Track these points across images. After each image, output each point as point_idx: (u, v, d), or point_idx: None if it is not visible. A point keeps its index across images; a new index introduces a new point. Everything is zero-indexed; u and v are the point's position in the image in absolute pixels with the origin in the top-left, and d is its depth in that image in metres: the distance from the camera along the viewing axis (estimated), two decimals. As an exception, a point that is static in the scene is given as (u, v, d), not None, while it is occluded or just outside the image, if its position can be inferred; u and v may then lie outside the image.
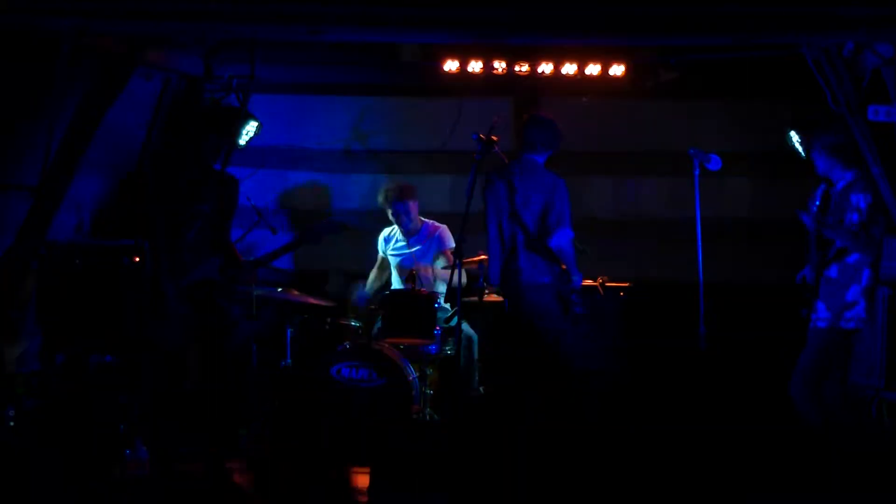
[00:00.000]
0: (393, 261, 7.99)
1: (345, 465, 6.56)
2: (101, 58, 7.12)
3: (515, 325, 6.75)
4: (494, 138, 6.39)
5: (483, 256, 7.04)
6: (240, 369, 7.80)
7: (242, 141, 8.14)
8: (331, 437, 7.05)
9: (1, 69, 6.79)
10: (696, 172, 6.54)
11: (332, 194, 9.08)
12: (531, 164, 6.84)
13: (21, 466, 5.24)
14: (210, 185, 6.05)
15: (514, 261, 6.70)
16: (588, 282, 7.42)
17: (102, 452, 6.03)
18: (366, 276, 8.07)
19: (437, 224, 7.91)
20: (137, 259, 7.04)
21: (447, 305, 7.49)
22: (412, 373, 7.12)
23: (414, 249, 7.84)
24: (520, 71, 7.69)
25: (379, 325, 7.34)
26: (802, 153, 7.93)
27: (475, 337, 7.46)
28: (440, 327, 7.26)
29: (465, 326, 7.27)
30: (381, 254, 8.06)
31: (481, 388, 7.37)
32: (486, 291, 7.17)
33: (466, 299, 6.89)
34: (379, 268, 8.07)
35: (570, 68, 7.65)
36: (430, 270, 7.75)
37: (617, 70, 7.65)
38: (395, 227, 7.93)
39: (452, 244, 7.63)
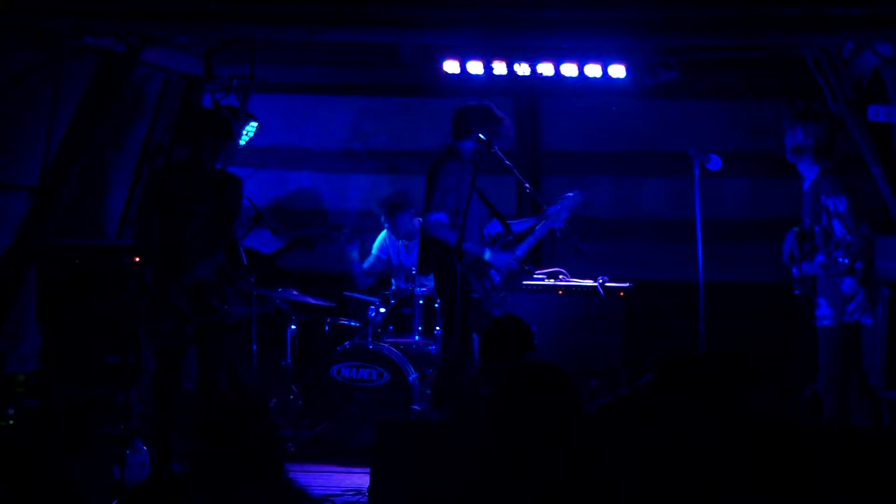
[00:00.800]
0: (393, 260, 7.99)
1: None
2: (101, 58, 7.12)
3: None
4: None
5: None
6: (239, 369, 7.82)
7: (242, 141, 8.15)
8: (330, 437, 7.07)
9: (1, 69, 6.79)
10: (696, 172, 6.53)
11: (332, 194, 9.08)
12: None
13: (20, 466, 5.23)
14: (209, 185, 6.04)
15: None
16: (588, 282, 7.43)
17: (102, 452, 6.03)
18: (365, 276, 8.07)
19: None
20: (137, 259, 7.03)
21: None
22: (412, 373, 7.12)
23: (412, 251, 7.87)
24: (520, 71, 7.69)
25: (379, 324, 7.34)
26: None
27: (475, 336, 7.45)
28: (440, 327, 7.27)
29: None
30: (373, 255, 8.02)
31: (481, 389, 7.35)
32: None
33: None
34: (367, 271, 8.05)
35: (570, 68, 7.65)
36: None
37: (617, 70, 7.65)
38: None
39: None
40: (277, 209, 8.78)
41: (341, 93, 8.86)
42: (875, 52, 6.68)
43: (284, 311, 7.67)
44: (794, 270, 6.28)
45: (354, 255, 7.89)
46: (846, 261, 5.78)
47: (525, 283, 7.42)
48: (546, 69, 7.66)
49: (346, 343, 7.33)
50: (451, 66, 7.71)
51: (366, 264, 8.02)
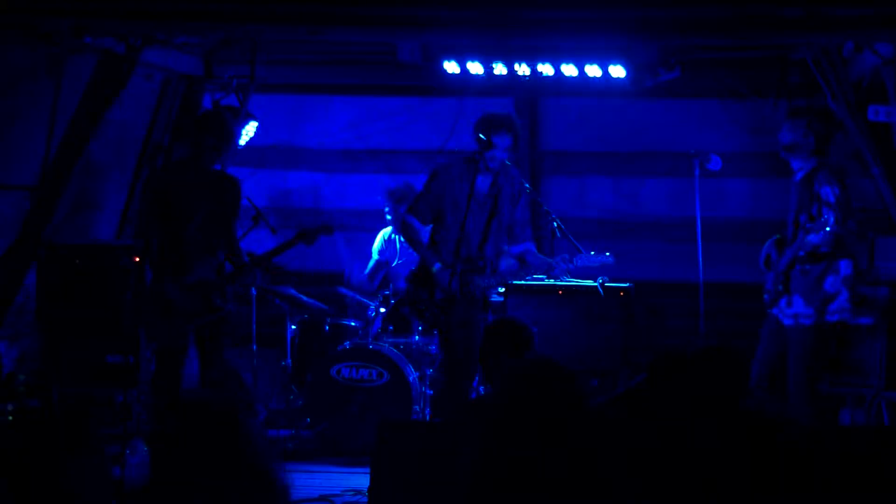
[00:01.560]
0: (393, 261, 7.99)
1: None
2: (102, 58, 7.12)
3: None
4: (495, 139, 6.38)
5: None
6: (240, 369, 7.82)
7: (242, 141, 8.15)
8: (330, 437, 7.06)
9: (1, 69, 6.79)
10: (696, 172, 6.53)
11: (332, 194, 9.08)
12: None
13: (20, 466, 5.23)
14: (209, 185, 6.04)
15: None
16: (588, 282, 7.42)
17: (103, 452, 6.02)
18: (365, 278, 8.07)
19: None
20: (137, 259, 7.03)
21: None
22: (412, 373, 7.12)
23: (411, 252, 7.86)
24: (520, 71, 7.69)
25: (379, 324, 7.34)
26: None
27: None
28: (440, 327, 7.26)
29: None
30: (374, 258, 8.03)
31: (481, 389, 7.35)
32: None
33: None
34: (369, 273, 8.04)
35: (570, 68, 7.65)
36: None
37: (617, 70, 7.65)
38: (392, 228, 7.94)
39: None
40: (277, 209, 8.78)
41: (341, 93, 8.86)
42: (875, 52, 6.68)
43: (284, 310, 7.67)
44: (770, 276, 6.24)
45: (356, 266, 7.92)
46: (815, 239, 5.75)
47: (524, 283, 7.41)
48: (546, 69, 7.66)
49: (346, 343, 7.33)
50: (451, 66, 7.70)
51: (367, 269, 8.02)
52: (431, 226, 6.47)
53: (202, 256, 5.98)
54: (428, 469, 4.90)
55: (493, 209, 6.37)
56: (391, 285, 7.79)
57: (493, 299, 6.70)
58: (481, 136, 6.23)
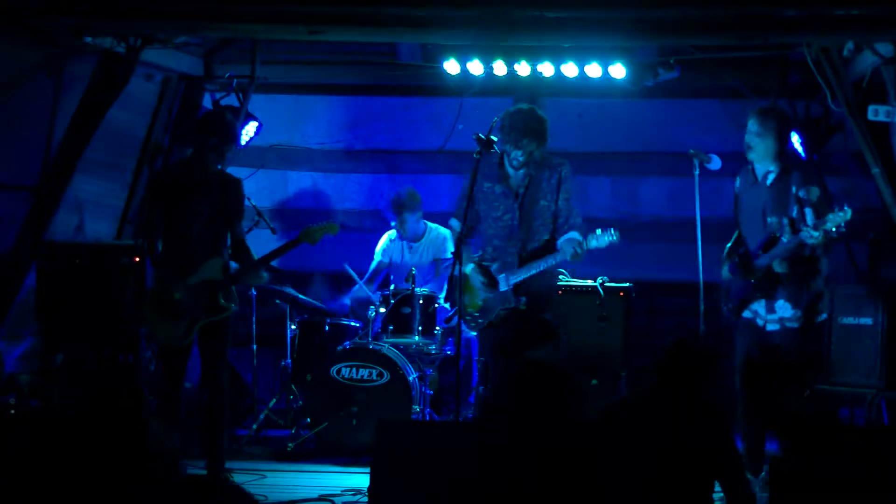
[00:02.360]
0: (395, 261, 7.99)
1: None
2: (101, 58, 7.12)
3: None
4: (494, 138, 6.37)
5: None
6: (240, 369, 7.82)
7: (242, 141, 8.15)
8: (330, 437, 7.06)
9: (1, 69, 6.79)
10: (696, 172, 6.52)
11: (333, 194, 9.08)
12: None
13: (19, 465, 5.23)
14: (212, 185, 6.04)
15: None
16: (588, 282, 7.42)
17: (102, 452, 6.01)
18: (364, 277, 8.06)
19: (440, 231, 7.90)
20: (137, 259, 7.04)
21: (447, 305, 7.47)
22: (412, 373, 7.12)
23: (415, 251, 7.87)
24: (520, 71, 7.69)
25: (379, 325, 7.33)
26: (803, 153, 7.94)
27: (475, 337, 7.45)
28: (440, 327, 7.26)
29: (465, 326, 7.25)
30: (376, 259, 8.03)
31: (481, 388, 7.35)
32: None
33: None
34: (370, 276, 8.04)
35: (570, 68, 7.65)
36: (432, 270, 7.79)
37: (617, 70, 7.65)
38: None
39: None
40: (277, 209, 8.78)
41: (341, 93, 8.86)
42: (875, 52, 6.68)
43: (284, 310, 7.67)
44: (736, 284, 6.17)
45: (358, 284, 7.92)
46: (813, 240, 5.69)
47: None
48: (546, 69, 7.67)
49: (346, 343, 7.33)
50: (451, 66, 7.70)
51: (368, 272, 8.02)
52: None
53: (207, 256, 5.98)
54: (428, 469, 4.90)
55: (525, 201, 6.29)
56: (392, 285, 7.79)
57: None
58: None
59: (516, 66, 7.66)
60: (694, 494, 4.25)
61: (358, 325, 7.67)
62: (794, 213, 5.90)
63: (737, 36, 6.82)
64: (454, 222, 6.46)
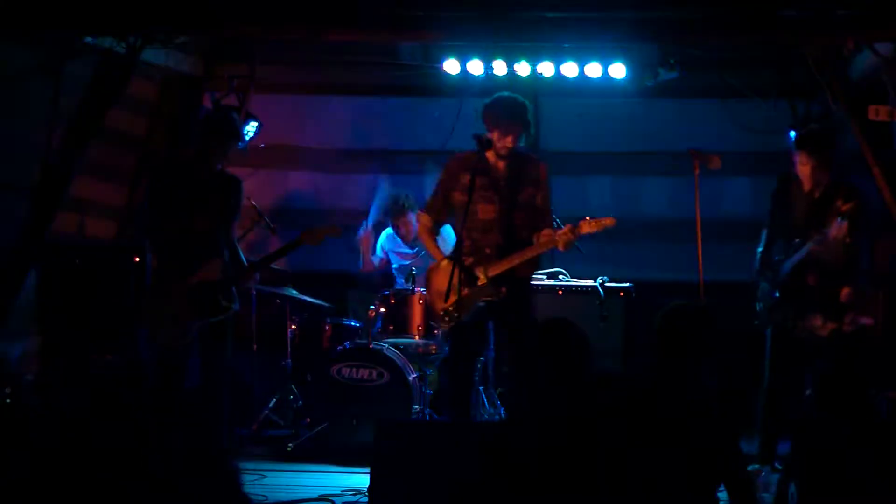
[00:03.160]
0: (394, 261, 7.99)
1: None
2: (101, 58, 7.12)
3: None
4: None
5: None
6: (240, 369, 7.81)
7: (242, 141, 8.15)
8: (330, 437, 7.06)
9: (1, 69, 6.79)
10: (697, 172, 6.53)
11: (333, 194, 9.07)
12: None
13: (20, 465, 5.23)
14: (213, 185, 6.04)
15: None
16: (588, 282, 7.43)
17: (102, 452, 6.01)
18: (363, 277, 8.07)
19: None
20: (137, 259, 7.03)
21: None
22: (412, 373, 7.12)
23: (415, 251, 7.86)
24: (520, 71, 7.70)
25: (379, 324, 7.33)
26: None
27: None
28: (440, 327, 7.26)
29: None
30: (378, 255, 8.04)
31: (481, 388, 7.36)
32: None
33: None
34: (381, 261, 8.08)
35: (570, 68, 7.65)
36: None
37: (617, 70, 7.65)
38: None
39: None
40: (277, 209, 8.77)
41: (341, 93, 8.85)
42: (875, 52, 6.68)
43: (284, 310, 7.67)
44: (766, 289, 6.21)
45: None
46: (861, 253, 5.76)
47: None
48: (546, 69, 7.67)
49: (346, 343, 7.33)
50: (451, 66, 7.71)
51: (375, 259, 8.04)
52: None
53: (207, 256, 5.98)
54: (428, 469, 4.90)
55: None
56: (392, 286, 7.79)
57: None
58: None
59: (516, 66, 7.66)
60: (697, 494, 4.26)
61: (358, 325, 7.67)
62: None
63: (737, 36, 6.82)
64: (426, 216, 6.30)
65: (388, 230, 8.05)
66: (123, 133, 7.91)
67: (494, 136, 6.04)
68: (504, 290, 6.02)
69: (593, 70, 7.66)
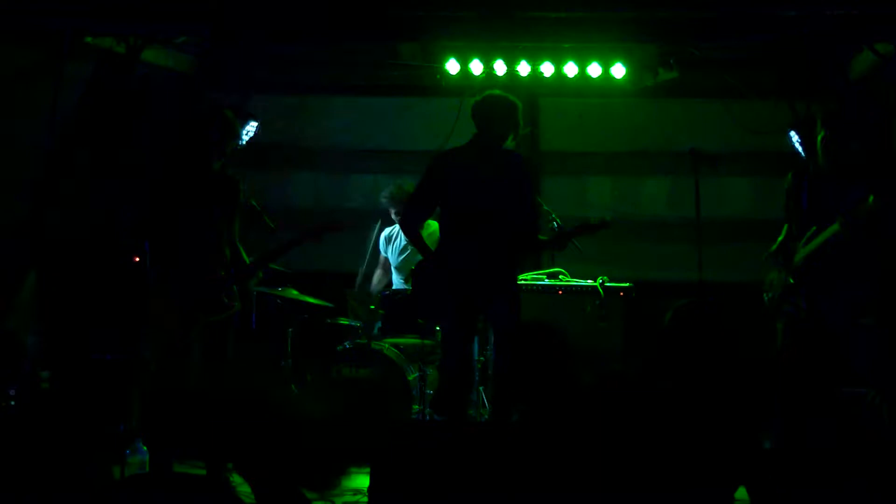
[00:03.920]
0: (393, 261, 7.99)
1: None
2: (102, 57, 7.12)
3: None
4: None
5: None
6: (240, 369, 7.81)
7: (242, 141, 8.15)
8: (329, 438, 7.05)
9: (1, 69, 6.79)
10: (696, 172, 6.53)
11: (333, 194, 9.07)
12: None
13: (20, 465, 5.23)
14: (214, 185, 6.04)
15: None
16: (588, 282, 7.42)
17: (102, 452, 6.02)
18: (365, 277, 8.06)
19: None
20: (137, 259, 7.03)
21: None
22: (412, 373, 7.12)
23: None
24: (520, 71, 7.70)
25: (379, 325, 7.33)
26: (803, 153, 7.94)
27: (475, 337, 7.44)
28: (440, 327, 7.26)
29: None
30: (382, 254, 8.05)
31: (481, 388, 7.36)
32: None
33: None
34: (382, 267, 8.05)
35: (570, 68, 7.65)
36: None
37: (617, 70, 7.65)
38: (397, 226, 7.92)
39: None
40: (277, 209, 8.76)
41: (341, 93, 8.86)
42: (875, 52, 6.69)
43: (284, 310, 7.67)
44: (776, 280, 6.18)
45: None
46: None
47: (525, 283, 7.42)
48: (546, 69, 7.67)
49: (346, 343, 7.33)
50: (451, 66, 7.71)
51: (374, 286, 8.01)
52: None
53: (209, 256, 5.98)
54: (428, 469, 4.90)
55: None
56: (394, 285, 7.79)
57: None
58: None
59: (516, 66, 7.66)
60: (714, 494, 4.25)
61: (358, 325, 7.67)
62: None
63: (737, 36, 6.82)
64: (411, 214, 6.27)
65: (385, 232, 8.03)
66: (123, 132, 7.90)
67: (482, 133, 6.03)
68: (490, 288, 6.00)
69: (593, 70, 7.66)
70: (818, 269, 5.98)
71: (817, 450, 4.63)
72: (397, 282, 7.89)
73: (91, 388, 6.90)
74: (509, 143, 6.13)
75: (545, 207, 7.05)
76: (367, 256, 8.00)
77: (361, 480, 6.09)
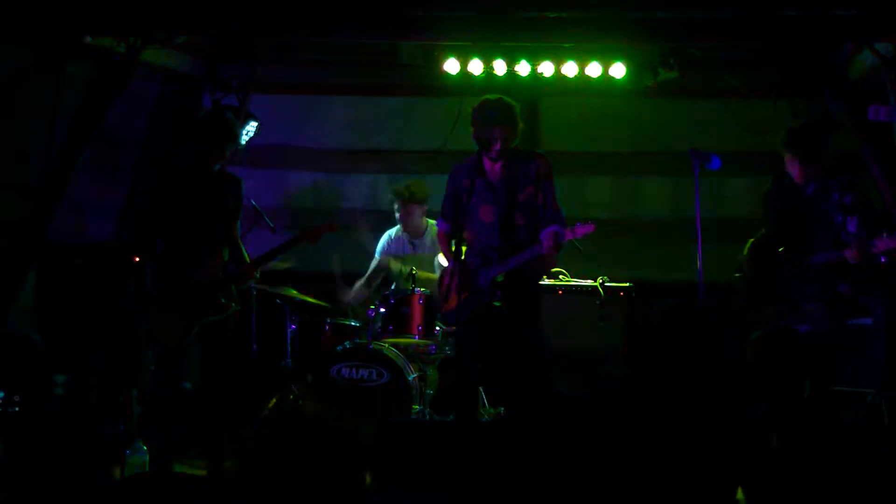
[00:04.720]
0: (395, 261, 7.98)
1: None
2: (102, 57, 7.12)
3: None
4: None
5: None
6: (240, 369, 7.82)
7: (242, 141, 8.15)
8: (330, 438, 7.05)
9: (1, 69, 6.79)
10: (696, 172, 6.53)
11: (332, 194, 9.07)
12: None
13: (21, 465, 5.24)
14: (212, 185, 6.04)
15: None
16: (588, 282, 7.42)
17: (102, 452, 6.03)
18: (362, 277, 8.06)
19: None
20: (137, 259, 7.04)
21: None
22: (412, 373, 7.12)
23: (417, 248, 7.86)
24: (520, 71, 7.70)
25: (379, 324, 7.33)
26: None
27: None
28: (440, 327, 7.26)
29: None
30: (377, 257, 8.02)
31: (481, 388, 7.36)
32: None
33: None
34: (369, 275, 7.98)
35: (570, 68, 7.66)
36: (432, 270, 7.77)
37: (617, 70, 7.65)
38: (399, 227, 7.92)
39: None
40: (277, 209, 8.78)
41: (341, 93, 8.85)
42: (875, 52, 6.69)
43: (284, 310, 7.67)
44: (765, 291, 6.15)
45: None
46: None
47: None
48: (546, 69, 7.67)
49: (346, 343, 7.32)
50: (451, 66, 7.71)
51: (367, 272, 7.99)
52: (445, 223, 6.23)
53: (207, 256, 5.98)
54: (428, 469, 4.90)
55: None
56: (392, 285, 7.78)
57: None
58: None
59: (516, 66, 7.66)
60: (714, 495, 4.25)
61: (358, 325, 7.67)
62: (839, 221, 5.89)
63: (737, 36, 6.82)
64: (442, 223, 6.25)
65: (389, 233, 8.02)
66: (123, 133, 7.91)
67: (484, 138, 5.97)
68: (503, 293, 5.95)
69: (593, 70, 7.66)
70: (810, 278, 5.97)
71: (810, 450, 4.63)
72: (399, 282, 7.86)
73: (91, 389, 6.91)
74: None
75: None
76: (374, 263, 8.00)
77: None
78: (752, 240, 6.31)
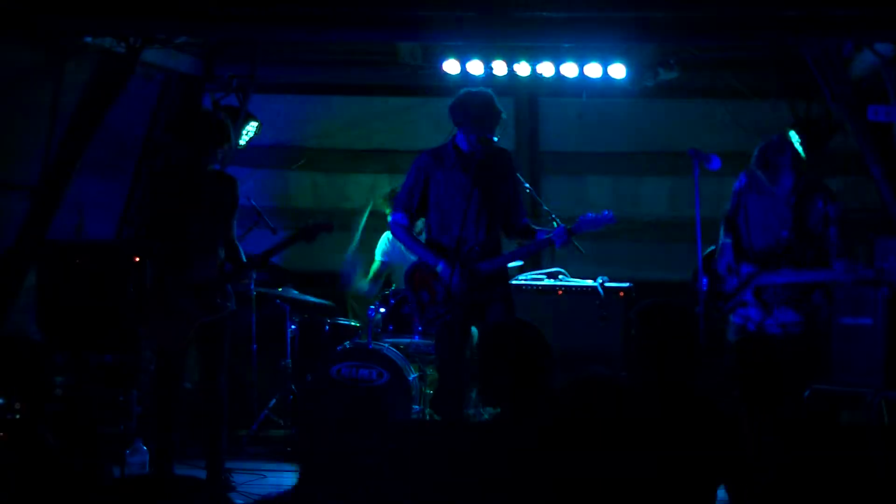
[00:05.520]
0: (396, 261, 7.98)
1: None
2: (102, 57, 7.12)
3: None
4: (495, 138, 6.35)
5: None
6: (240, 369, 7.82)
7: (242, 141, 8.16)
8: (329, 438, 7.06)
9: (1, 69, 6.79)
10: (696, 172, 6.53)
11: (332, 194, 9.08)
12: None
13: (21, 464, 5.24)
14: (208, 185, 6.04)
15: None
16: (588, 282, 7.42)
17: (102, 452, 6.03)
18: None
19: None
20: (137, 259, 7.03)
21: None
22: (412, 373, 7.12)
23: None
24: (520, 71, 7.70)
25: (379, 324, 7.33)
26: (803, 153, 7.93)
27: (474, 337, 7.44)
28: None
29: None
30: (377, 258, 8.01)
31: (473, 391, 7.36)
32: None
33: None
34: (372, 279, 7.98)
35: (570, 68, 7.66)
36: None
37: (617, 70, 7.66)
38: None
39: None
40: (277, 209, 8.78)
41: (341, 93, 8.86)
42: (875, 52, 6.69)
43: (284, 310, 7.67)
44: (731, 281, 6.10)
45: (361, 282, 7.90)
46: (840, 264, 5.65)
47: (525, 283, 7.42)
48: (546, 69, 7.68)
49: (346, 343, 7.33)
50: (451, 66, 7.72)
51: (370, 275, 7.99)
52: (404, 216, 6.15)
53: (204, 256, 5.98)
54: (428, 469, 4.90)
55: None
56: (393, 285, 7.78)
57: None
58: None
59: (516, 66, 7.67)
60: (695, 496, 4.23)
61: (358, 325, 7.67)
62: (819, 230, 5.85)
63: (737, 36, 6.83)
64: (401, 216, 6.11)
65: (388, 234, 8.02)
66: (123, 133, 7.91)
67: (462, 131, 5.99)
68: (479, 288, 5.96)
69: (593, 70, 7.66)
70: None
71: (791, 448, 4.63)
72: (398, 282, 7.87)
73: (91, 389, 6.91)
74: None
75: (545, 207, 7.06)
76: (375, 264, 7.99)
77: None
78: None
